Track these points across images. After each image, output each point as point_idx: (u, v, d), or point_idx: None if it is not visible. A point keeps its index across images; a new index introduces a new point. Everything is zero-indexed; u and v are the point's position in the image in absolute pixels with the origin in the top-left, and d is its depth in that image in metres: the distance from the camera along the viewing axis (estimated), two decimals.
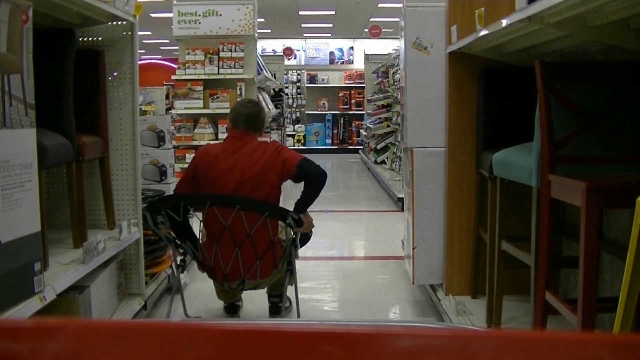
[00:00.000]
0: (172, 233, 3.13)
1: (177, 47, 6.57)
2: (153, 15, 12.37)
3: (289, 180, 3.19)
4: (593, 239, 1.83)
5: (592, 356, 0.56)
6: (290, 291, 3.22)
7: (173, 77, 6.35)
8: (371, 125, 11.24)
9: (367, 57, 13.72)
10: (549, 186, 2.12)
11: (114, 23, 3.23)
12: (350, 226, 6.55)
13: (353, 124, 15.84)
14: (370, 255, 5.36)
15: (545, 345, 0.57)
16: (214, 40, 6.18)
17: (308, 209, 3.07)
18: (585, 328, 1.81)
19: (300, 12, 13.28)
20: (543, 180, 2.16)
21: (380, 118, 10.67)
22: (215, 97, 6.09)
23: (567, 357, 0.56)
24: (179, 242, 3.13)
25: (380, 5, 12.11)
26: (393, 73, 9.23)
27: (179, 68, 6.23)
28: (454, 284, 3.42)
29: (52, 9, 2.74)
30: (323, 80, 16.34)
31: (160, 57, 19.96)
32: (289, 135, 15.13)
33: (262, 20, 13.33)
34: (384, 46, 14.12)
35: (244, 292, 3.40)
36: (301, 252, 3.29)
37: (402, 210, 5.16)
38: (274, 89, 10.10)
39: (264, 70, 7.71)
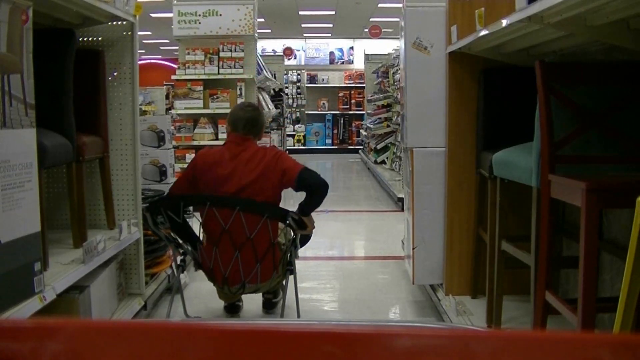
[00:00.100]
0: (172, 233, 3.13)
1: (177, 47, 6.57)
2: (153, 15, 12.37)
3: None
4: (593, 239, 1.83)
5: (592, 356, 0.56)
6: (290, 291, 3.22)
7: (173, 77, 6.36)
8: (371, 125, 11.24)
9: (367, 57, 13.72)
10: (549, 186, 2.12)
11: (114, 23, 3.23)
12: (350, 226, 6.55)
13: (353, 124, 15.85)
14: (370, 255, 5.36)
15: (545, 345, 0.57)
16: (214, 40, 6.18)
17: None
18: (585, 328, 1.81)
19: (300, 12, 13.28)
20: (543, 180, 2.16)
21: (380, 118, 10.67)
22: (215, 97, 6.10)
23: (567, 357, 0.56)
24: (179, 242, 3.13)
25: (380, 5, 12.11)
26: (393, 73, 9.23)
27: (179, 68, 6.23)
28: (454, 284, 3.42)
29: (52, 9, 2.74)
30: (323, 80, 16.34)
31: (160, 57, 19.97)
32: (289, 135, 15.13)
33: (262, 20, 13.34)
34: (384, 46, 14.13)
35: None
36: (301, 252, 3.29)
37: (402, 210, 5.16)
38: (274, 89, 10.10)
39: (264, 70, 7.71)
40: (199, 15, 6.20)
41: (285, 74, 14.48)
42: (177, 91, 6.22)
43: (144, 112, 6.16)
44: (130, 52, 3.32)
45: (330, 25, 14.99)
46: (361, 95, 15.21)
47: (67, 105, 2.82)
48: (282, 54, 15.38)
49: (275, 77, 10.37)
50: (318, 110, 16.18)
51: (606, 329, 2.45)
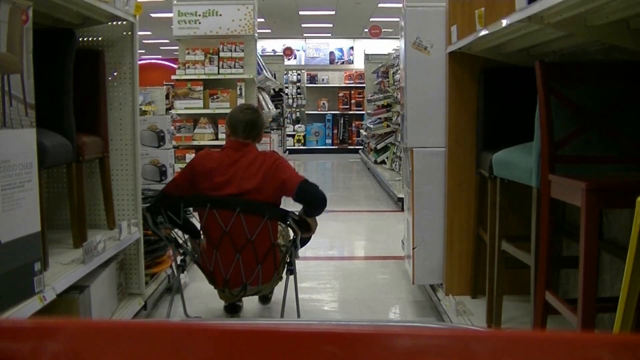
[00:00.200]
0: (172, 233, 3.13)
1: (177, 47, 6.57)
2: (153, 15, 12.37)
3: None
4: (593, 239, 1.83)
5: (592, 356, 0.56)
6: (290, 291, 3.22)
7: (173, 77, 6.35)
8: (371, 125, 11.24)
9: (367, 57, 13.72)
10: (549, 186, 2.12)
11: (114, 23, 3.23)
12: (350, 226, 6.55)
13: (353, 124, 15.85)
14: (370, 255, 5.36)
15: (545, 345, 0.57)
16: (214, 40, 6.18)
17: None
18: (585, 328, 1.81)
19: (300, 12, 13.28)
20: (543, 180, 2.16)
21: (380, 118, 10.67)
22: (215, 97, 6.10)
23: (567, 357, 0.56)
24: (179, 242, 3.13)
25: (380, 5, 12.11)
26: (393, 73, 9.23)
27: (179, 68, 6.23)
28: (454, 284, 3.42)
29: (52, 9, 2.74)
30: (323, 80, 16.34)
31: (160, 57, 19.97)
32: (289, 135, 15.13)
33: (262, 20, 13.34)
34: (384, 46, 14.13)
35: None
36: (301, 252, 3.29)
37: (402, 210, 5.16)
38: (274, 89, 10.11)
39: (264, 70, 7.71)
40: (199, 15, 6.20)
41: (285, 74, 14.49)
42: (177, 91, 6.22)
43: (144, 112, 6.17)
44: (130, 52, 3.32)
45: (330, 25, 14.99)
46: (361, 95, 15.21)
47: (67, 105, 2.82)
48: (282, 54, 15.39)
49: (275, 77, 10.37)
50: (318, 110, 16.18)
51: (606, 329, 2.45)
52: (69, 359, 0.60)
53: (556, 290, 2.94)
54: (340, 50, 16.81)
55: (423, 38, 3.48)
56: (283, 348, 0.58)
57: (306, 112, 16.17)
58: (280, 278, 3.20)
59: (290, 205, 3.14)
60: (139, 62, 3.45)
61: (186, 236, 3.17)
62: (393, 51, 9.85)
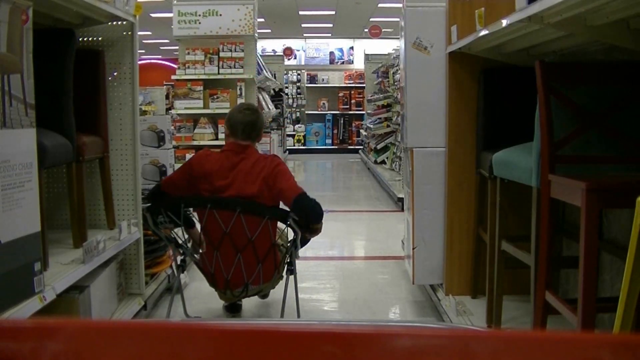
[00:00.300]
0: (172, 233, 3.12)
1: (177, 47, 6.58)
2: (153, 15, 12.37)
3: None
4: (593, 239, 1.83)
5: (592, 356, 0.56)
6: (290, 291, 3.22)
7: (173, 77, 6.36)
8: (371, 125, 11.24)
9: (367, 57, 13.73)
10: (549, 186, 2.12)
11: (114, 23, 3.23)
12: (350, 226, 6.55)
13: (353, 124, 15.85)
14: (370, 255, 5.36)
15: (545, 345, 0.57)
16: (214, 40, 6.18)
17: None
18: (585, 328, 1.81)
19: (300, 12, 13.28)
20: (543, 180, 2.16)
21: (380, 118, 10.67)
22: (215, 97, 6.10)
23: (567, 357, 0.56)
24: (179, 242, 3.13)
25: (380, 5, 12.11)
26: (393, 73, 9.23)
27: (179, 68, 6.23)
28: (454, 284, 3.42)
29: (52, 9, 2.74)
30: (323, 80, 16.34)
31: (160, 57, 19.97)
32: (289, 135, 15.13)
33: (262, 20, 13.34)
34: (384, 46, 14.13)
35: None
36: (301, 252, 3.29)
37: (402, 210, 5.16)
38: (274, 89, 10.11)
39: (264, 70, 7.71)
40: (199, 15, 6.20)
41: (285, 74, 14.50)
42: (177, 91, 6.22)
43: (144, 112, 6.16)
44: (130, 52, 3.32)
45: (330, 25, 14.99)
46: (361, 95, 15.21)
47: (67, 105, 2.82)
48: (282, 54, 15.40)
49: (275, 77, 10.38)
50: (318, 110, 16.18)
51: (606, 329, 2.45)
52: (69, 359, 0.60)
53: (556, 290, 2.94)
54: (340, 50, 16.81)
55: (423, 38, 3.48)
56: (283, 348, 0.58)
57: (306, 112, 16.17)
58: (281, 277, 3.20)
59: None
60: (139, 62, 3.45)
61: (186, 236, 3.16)
62: (393, 51, 9.85)
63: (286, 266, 3.13)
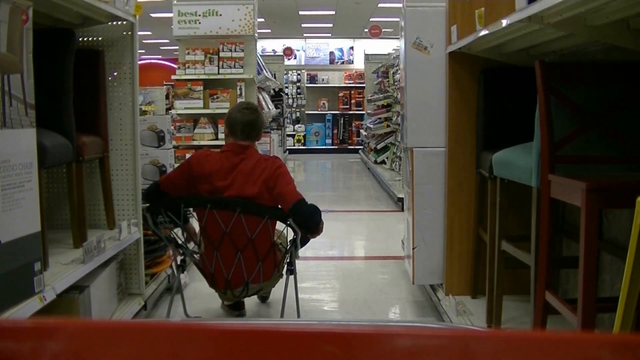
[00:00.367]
0: (172, 233, 3.12)
1: (177, 47, 6.58)
2: (153, 15, 12.37)
3: None
4: (593, 239, 1.83)
5: (592, 356, 0.56)
6: (290, 291, 3.22)
7: (173, 77, 6.36)
8: (371, 125, 11.24)
9: (367, 57, 13.73)
10: (549, 186, 2.12)
11: (114, 23, 3.23)
12: (350, 226, 6.55)
13: (353, 124, 15.85)
14: (370, 255, 5.36)
15: (545, 345, 0.57)
16: (214, 40, 6.18)
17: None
18: (585, 328, 1.81)
19: (300, 12, 13.28)
20: (543, 180, 2.16)
21: (380, 118, 10.67)
22: (215, 97, 6.10)
23: (567, 357, 0.56)
24: (179, 242, 3.13)
25: (380, 5, 12.11)
26: (393, 73, 9.23)
27: (179, 68, 6.23)
28: (454, 284, 3.42)
29: (52, 9, 2.74)
30: (323, 80, 16.34)
31: (160, 57, 19.97)
32: (289, 135, 15.14)
33: (262, 20, 13.34)
34: (384, 46, 14.13)
35: None
36: (301, 252, 3.29)
37: (402, 210, 5.16)
38: (274, 89, 10.12)
39: (264, 70, 7.72)
40: (199, 15, 6.20)
41: (285, 74, 14.50)
42: (177, 91, 6.22)
43: (144, 112, 6.16)
44: (130, 52, 3.32)
45: (330, 25, 14.99)
46: (361, 95, 15.21)
47: (67, 105, 2.82)
48: (282, 54, 15.40)
49: (275, 77, 10.38)
50: (318, 110, 16.18)
51: (606, 329, 2.45)
52: (69, 359, 0.60)
53: (556, 290, 2.94)
54: (340, 50, 16.81)
55: (423, 38, 3.48)
56: (283, 348, 0.58)
57: (306, 112, 16.17)
58: (281, 276, 3.20)
59: None
60: (139, 62, 3.44)
61: (186, 235, 3.16)
62: (393, 51, 9.85)
63: (286, 266, 3.13)
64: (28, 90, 2.05)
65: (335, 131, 16.01)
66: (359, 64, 15.93)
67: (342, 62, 16.77)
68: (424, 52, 3.50)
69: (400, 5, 3.71)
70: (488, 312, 2.91)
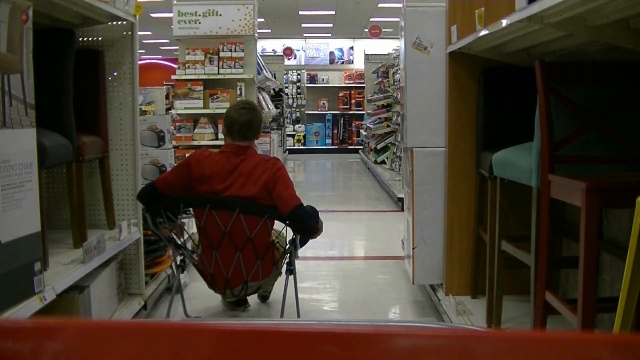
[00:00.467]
0: (171, 234, 3.12)
1: (177, 47, 6.57)
2: (153, 15, 12.37)
3: None
4: (593, 239, 1.83)
5: (592, 356, 0.56)
6: (290, 291, 3.22)
7: (173, 77, 6.35)
8: (371, 125, 11.24)
9: (367, 57, 13.73)
10: (549, 186, 2.12)
11: (114, 23, 3.23)
12: (350, 226, 6.55)
13: (353, 124, 15.85)
14: (370, 255, 5.36)
15: (545, 345, 0.57)
16: (214, 40, 6.18)
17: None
18: (585, 328, 1.81)
19: (300, 12, 13.28)
20: (543, 180, 2.16)
21: (380, 118, 10.67)
22: (215, 97, 6.09)
23: (567, 357, 0.56)
24: (178, 243, 3.13)
25: (380, 5, 12.11)
26: (393, 73, 9.23)
27: (179, 68, 6.23)
28: (454, 284, 3.42)
29: (52, 9, 2.74)
30: (323, 80, 16.34)
31: (160, 57, 19.97)
32: (289, 135, 15.14)
33: (262, 20, 13.33)
34: (384, 46, 14.13)
35: None
36: (301, 252, 3.29)
37: (402, 210, 5.16)
38: (274, 89, 10.12)
39: (264, 70, 7.71)
40: (199, 15, 6.20)
41: (285, 74, 14.50)
42: (177, 91, 6.22)
43: (144, 112, 6.16)
44: (130, 52, 3.32)
45: (330, 25, 14.99)
46: (361, 95, 15.21)
47: (67, 105, 2.82)
48: (282, 54, 15.39)
49: (275, 77, 10.38)
50: (318, 110, 16.18)
51: (606, 329, 2.45)
52: (69, 359, 0.60)
53: (556, 290, 2.95)
54: (340, 50, 16.81)
55: (423, 38, 3.48)
56: (283, 348, 0.58)
57: (306, 112, 16.17)
58: (280, 274, 3.20)
59: None
60: (139, 62, 3.44)
61: (186, 236, 3.17)
62: (393, 51, 9.85)
63: (286, 266, 3.13)
64: (28, 90, 2.05)
65: (335, 131, 16.01)
66: (359, 64, 15.93)
67: (342, 62, 16.77)
68: (424, 52, 3.50)
69: (400, 5, 3.71)
70: (488, 312, 2.91)
